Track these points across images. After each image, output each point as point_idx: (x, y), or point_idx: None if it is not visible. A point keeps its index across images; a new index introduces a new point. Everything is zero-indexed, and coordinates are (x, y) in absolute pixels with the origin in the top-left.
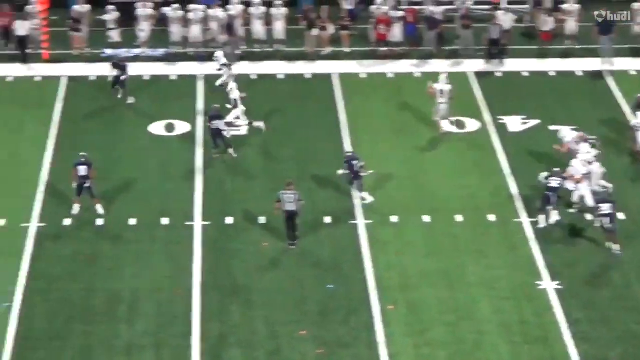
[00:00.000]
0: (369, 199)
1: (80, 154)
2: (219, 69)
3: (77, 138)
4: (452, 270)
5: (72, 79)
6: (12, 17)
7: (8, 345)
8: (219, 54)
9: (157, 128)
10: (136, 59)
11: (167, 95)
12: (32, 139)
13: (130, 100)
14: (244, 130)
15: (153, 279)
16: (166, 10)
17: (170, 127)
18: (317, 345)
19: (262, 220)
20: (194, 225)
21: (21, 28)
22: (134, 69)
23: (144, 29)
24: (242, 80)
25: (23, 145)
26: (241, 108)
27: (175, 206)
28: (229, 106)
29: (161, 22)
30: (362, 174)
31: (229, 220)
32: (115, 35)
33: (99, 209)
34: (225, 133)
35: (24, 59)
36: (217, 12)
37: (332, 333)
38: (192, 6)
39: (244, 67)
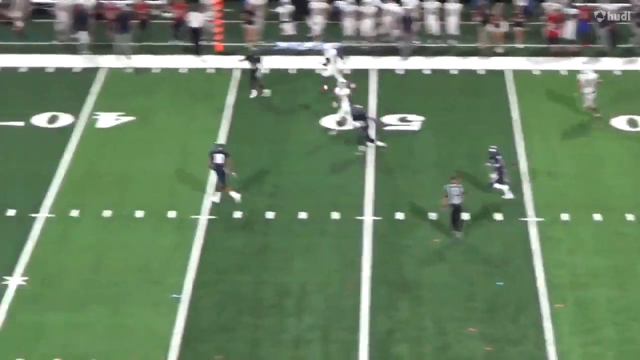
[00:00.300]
0: (509, 195)
1: (217, 142)
2: (324, 63)
3: (248, 130)
4: (622, 270)
5: (244, 72)
6: (186, 9)
7: (176, 336)
8: (328, 46)
9: (329, 122)
10: (309, 52)
11: None
12: (204, 130)
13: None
14: (415, 126)
15: (322, 272)
16: (340, 3)
17: (342, 121)
18: (485, 342)
19: (432, 216)
20: (364, 220)
21: (195, 20)
22: (303, 63)
23: (317, 22)
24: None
25: (195, 137)
26: (345, 108)
27: (346, 200)
28: (335, 104)
29: (334, 15)
30: (505, 170)
31: (399, 215)
32: (288, 28)
33: (235, 195)
34: (370, 131)
35: (197, 50)
36: (391, 6)
37: (500, 330)
38: (365, 0)
39: (417, 62)
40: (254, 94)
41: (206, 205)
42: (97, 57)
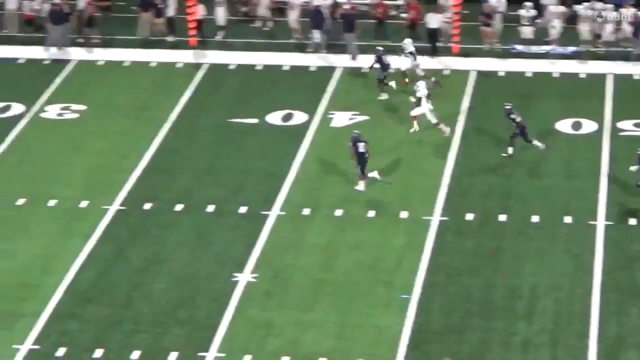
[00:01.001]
0: None
1: (355, 131)
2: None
3: (482, 132)
4: None
5: (480, 74)
6: (421, 10)
7: (404, 337)
8: (408, 41)
9: (564, 126)
10: (546, 55)
11: (575, 93)
12: (437, 131)
13: (383, 96)
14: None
15: (553, 276)
16: (578, 8)
17: (576, 126)
18: None
19: None
20: (597, 224)
21: (433, 20)
22: (540, 66)
23: (555, 26)
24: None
25: (427, 137)
26: (428, 107)
27: (579, 205)
28: (413, 99)
29: (572, 19)
30: None
31: (632, 221)
32: (528, 31)
33: (362, 186)
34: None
35: (434, 51)
36: (630, 11)
37: None
38: (603, 5)
39: None
40: (384, 96)
41: (439, 206)
42: (331, 57)
